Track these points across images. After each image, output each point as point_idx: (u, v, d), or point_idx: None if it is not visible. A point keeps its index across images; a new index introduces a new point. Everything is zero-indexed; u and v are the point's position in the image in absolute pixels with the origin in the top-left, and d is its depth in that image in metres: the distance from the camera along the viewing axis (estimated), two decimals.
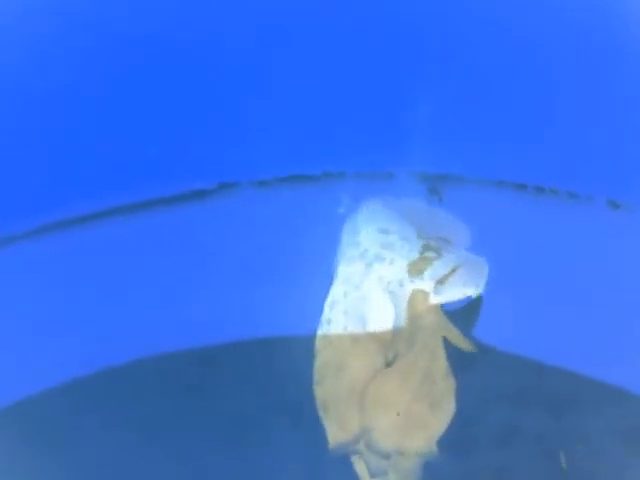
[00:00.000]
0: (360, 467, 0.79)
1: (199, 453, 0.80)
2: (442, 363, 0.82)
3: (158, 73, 0.93)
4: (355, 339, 0.83)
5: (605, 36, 0.94)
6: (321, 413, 0.81)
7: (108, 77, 0.93)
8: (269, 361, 0.83)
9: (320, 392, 0.82)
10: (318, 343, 0.84)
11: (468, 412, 0.80)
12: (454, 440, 0.80)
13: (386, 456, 0.79)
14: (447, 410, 0.80)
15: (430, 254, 0.85)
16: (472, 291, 0.84)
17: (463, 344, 0.82)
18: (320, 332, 0.84)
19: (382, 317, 0.83)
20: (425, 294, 0.83)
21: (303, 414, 0.81)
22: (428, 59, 0.93)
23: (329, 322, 0.84)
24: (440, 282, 0.83)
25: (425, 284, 0.83)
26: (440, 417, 0.80)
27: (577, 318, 0.84)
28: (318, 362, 0.83)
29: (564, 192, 0.90)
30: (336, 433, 0.80)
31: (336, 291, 0.86)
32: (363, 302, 0.84)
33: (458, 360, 0.82)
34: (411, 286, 0.83)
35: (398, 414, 0.80)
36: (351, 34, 0.94)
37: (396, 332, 0.82)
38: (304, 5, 0.94)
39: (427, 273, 0.83)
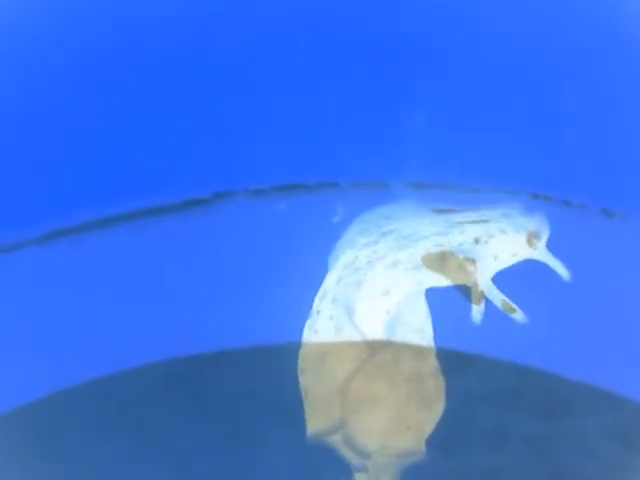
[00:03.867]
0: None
1: (195, 455, 0.81)
2: (430, 362, 0.82)
3: (154, 83, 0.95)
4: (339, 328, 0.84)
5: (599, 46, 0.95)
6: (304, 401, 0.81)
7: (104, 88, 0.95)
8: (263, 366, 0.84)
9: (303, 381, 0.82)
10: (305, 333, 0.84)
11: (458, 414, 0.80)
12: (444, 442, 0.80)
13: (367, 455, 0.79)
14: (436, 410, 0.80)
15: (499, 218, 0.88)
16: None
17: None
18: (308, 322, 0.85)
19: (369, 307, 0.84)
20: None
21: (296, 415, 0.81)
22: (422, 69, 0.94)
23: (318, 312, 0.85)
24: (537, 237, 0.86)
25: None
26: (428, 417, 0.80)
27: (568, 323, 0.84)
28: (303, 352, 0.84)
29: (558, 200, 0.90)
30: (315, 420, 0.81)
31: (329, 280, 0.86)
32: (355, 288, 0.85)
33: (449, 363, 0.82)
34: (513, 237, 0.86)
35: (385, 415, 0.80)
36: (345, 44, 0.95)
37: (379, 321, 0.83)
38: (299, 17, 0.95)
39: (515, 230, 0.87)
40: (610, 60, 0.95)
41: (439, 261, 0.85)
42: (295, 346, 0.85)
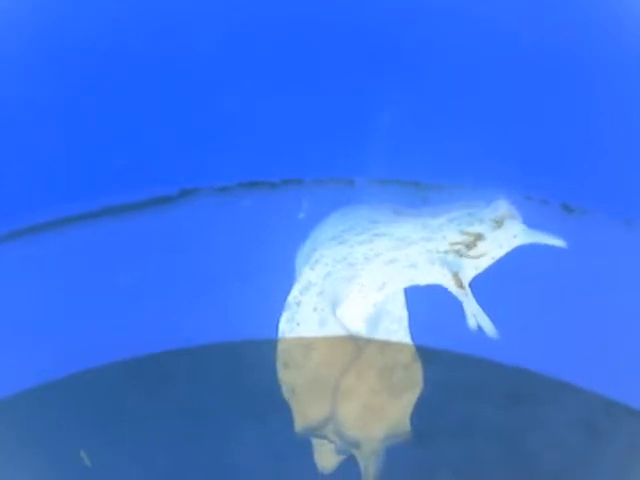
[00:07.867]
0: (322, 450, 0.80)
1: (167, 451, 0.81)
2: (410, 348, 0.83)
3: (117, 79, 0.94)
4: (323, 321, 0.83)
5: (543, 45, 0.96)
6: (288, 397, 0.81)
7: (64, 84, 0.93)
8: (233, 363, 0.84)
9: (287, 376, 0.81)
10: (283, 326, 0.84)
11: (430, 405, 0.82)
12: (416, 431, 0.81)
13: (357, 445, 0.80)
14: (416, 392, 0.81)
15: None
16: None
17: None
18: (286, 314, 0.84)
19: (357, 301, 0.84)
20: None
21: (270, 411, 0.82)
22: (388, 64, 0.95)
23: (298, 304, 0.84)
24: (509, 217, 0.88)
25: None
26: (411, 399, 0.81)
27: (533, 318, 0.86)
28: (283, 345, 0.83)
29: (521, 195, 0.92)
30: (304, 417, 0.80)
31: (314, 274, 0.86)
32: (347, 282, 0.85)
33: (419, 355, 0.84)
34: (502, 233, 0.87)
35: (372, 406, 0.81)
36: (309, 40, 0.95)
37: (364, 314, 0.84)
38: (260, 12, 0.95)
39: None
40: (568, 57, 0.97)
41: (429, 264, 0.86)
42: (264, 342, 0.85)
